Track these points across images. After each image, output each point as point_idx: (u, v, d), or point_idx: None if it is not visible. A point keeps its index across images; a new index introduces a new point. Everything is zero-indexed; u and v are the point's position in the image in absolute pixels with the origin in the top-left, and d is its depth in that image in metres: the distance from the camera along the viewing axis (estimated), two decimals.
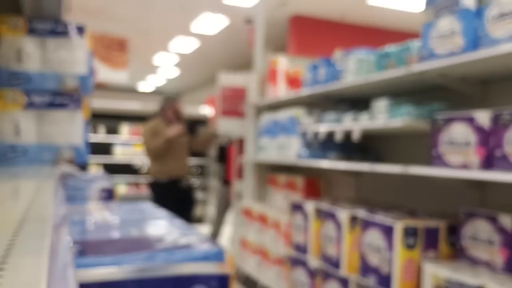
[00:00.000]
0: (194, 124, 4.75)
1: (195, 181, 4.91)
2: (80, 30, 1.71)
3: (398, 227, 2.08)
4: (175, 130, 4.25)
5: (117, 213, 1.29)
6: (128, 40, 8.20)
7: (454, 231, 2.15)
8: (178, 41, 9.14)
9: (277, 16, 7.01)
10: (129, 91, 9.20)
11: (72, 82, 1.65)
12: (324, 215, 2.67)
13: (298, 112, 3.24)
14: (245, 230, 3.98)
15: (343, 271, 2.47)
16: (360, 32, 7.53)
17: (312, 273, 2.78)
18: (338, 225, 2.51)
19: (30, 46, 1.63)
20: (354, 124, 2.64)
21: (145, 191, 8.52)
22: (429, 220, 2.19)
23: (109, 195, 1.67)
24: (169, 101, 4.62)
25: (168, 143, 4.25)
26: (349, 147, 3.04)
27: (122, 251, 0.82)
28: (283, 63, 3.85)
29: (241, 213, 4.12)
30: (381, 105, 2.47)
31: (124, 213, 1.30)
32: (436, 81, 2.22)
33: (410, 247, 2.08)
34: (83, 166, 1.78)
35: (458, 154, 1.94)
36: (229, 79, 4.43)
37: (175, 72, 12.60)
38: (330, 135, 2.92)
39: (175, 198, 4.35)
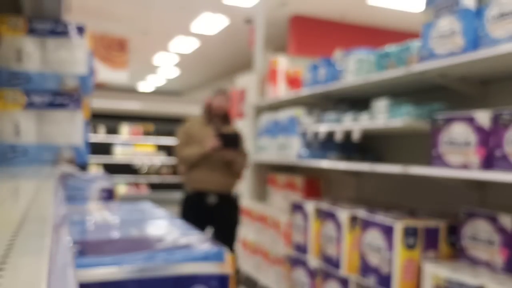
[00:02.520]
0: (236, 137, 3.38)
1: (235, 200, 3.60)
2: (80, 30, 1.71)
3: (398, 227, 2.08)
4: (210, 144, 3.28)
5: (117, 213, 1.29)
6: (128, 40, 8.21)
7: (454, 231, 2.15)
8: (178, 41, 9.15)
9: (277, 16, 7.01)
10: (129, 91, 9.21)
11: (72, 82, 1.66)
12: (324, 215, 2.67)
13: (298, 112, 3.24)
14: (245, 230, 3.99)
15: (343, 271, 2.47)
16: (360, 32, 7.54)
17: (312, 273, 2.78)
18: (338, 225, 2.51)
19: (30, 46, 1.63)
20: (354, 124, 2.64)
21: (144, 191, 8.53)
22: (429, 220, 2.19)
23: (109, 195, 1.67)
24: (213, 94, 3.58)
25: (202, 157, 3.37)
26: (349, 147, 3.04)
27: (122, 251, 0.82)
28: (283, 63, 3.86)
29: (240, 213, 4.13)
30: (381, 105, 2.47)
31: (124, 213, 1.30)
32: (436, 81, 2.22)
33: (410, 247, 2.08)
34: (83, 166, 1.78)
35: (458, 154, 1.94)
36: (244, 81, 4.43)
37: (175, 72, 12.61)
38: (330, 135, 2.92)
39: (201, 215, 3.39)
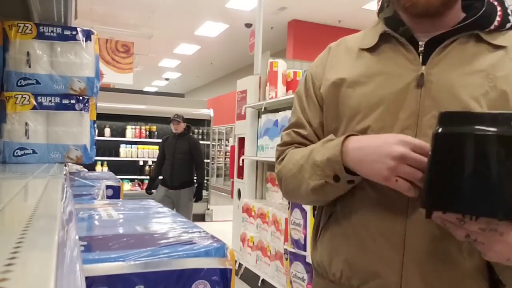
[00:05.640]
0: None
1: None
2: (88, 34, 1.75)
3: None
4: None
5: (122, 210, 1.30)
6: (133, 43, 8.25)
7: None
8: (182, 47, 9.14)
9: (276, 20, 7.06)
10: (133, 92, 9.22)
11: (79, 84, 1.70)
12: None
13: None
14: (245, 227, 4.05)
15: None
16: None
17: (310, 268, 2.83)
18: None
19: (39, 50, 1.68)
20: None
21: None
22: None
23: (114, 192, 1.73)
24: None
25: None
26: None
27: (127, 246, 0.85)
28: (282, 66, 3.91)
29: (241, 210, 4.19)
30: None
31: (129, 210, 1.32)
32: None
33: None
34: (89, 165, 1.83)
35: None
36: (245, 84, 4.48)
37: (176, 74, 12.64)
38: None
39: None
